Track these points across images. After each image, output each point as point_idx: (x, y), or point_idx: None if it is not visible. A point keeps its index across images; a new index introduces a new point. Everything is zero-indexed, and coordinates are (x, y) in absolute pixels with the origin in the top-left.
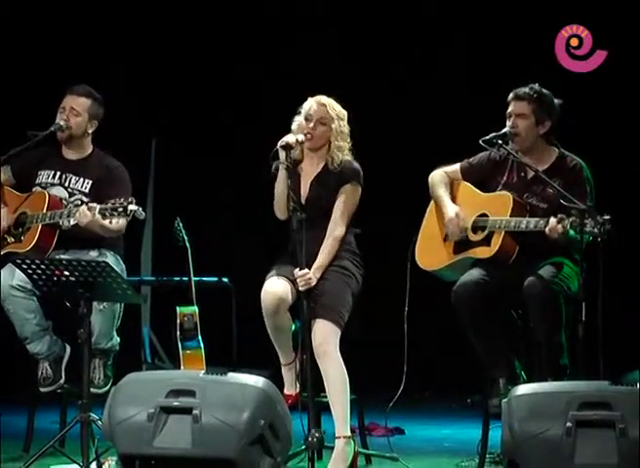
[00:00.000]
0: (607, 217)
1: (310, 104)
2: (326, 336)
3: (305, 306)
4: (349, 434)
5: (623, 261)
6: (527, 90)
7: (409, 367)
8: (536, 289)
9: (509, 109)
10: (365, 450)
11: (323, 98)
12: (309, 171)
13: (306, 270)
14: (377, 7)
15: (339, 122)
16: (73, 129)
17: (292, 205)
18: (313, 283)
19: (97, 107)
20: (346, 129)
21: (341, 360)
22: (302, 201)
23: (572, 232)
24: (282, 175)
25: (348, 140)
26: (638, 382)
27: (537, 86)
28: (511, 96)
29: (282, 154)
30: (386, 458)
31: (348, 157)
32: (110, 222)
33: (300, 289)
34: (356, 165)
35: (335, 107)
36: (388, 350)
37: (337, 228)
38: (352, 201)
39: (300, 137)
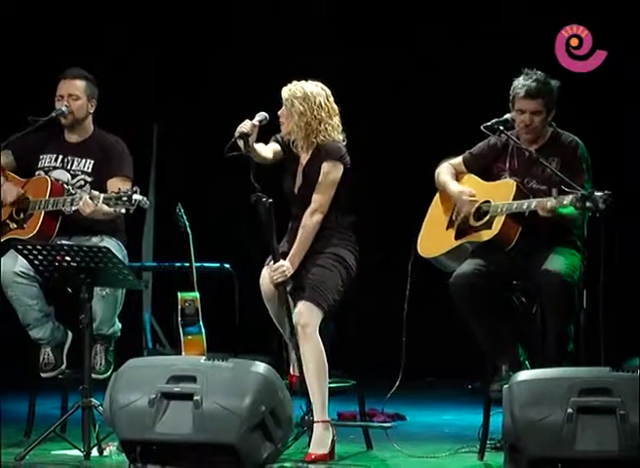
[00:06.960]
0: (608, 192)
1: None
2: (307, 318)
3: (281, 294)
4: (327, 418)
5: (624, 248)
6: (535, 84)
7: (409, 353)
8: (555, 281)
9: (522, 106)
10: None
11: (289, 85)
12: (303, 158)
13: (281, 262)
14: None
15: (300, 100)
16: (76, 113)
17: (255, 194)
18: (288, 273)
19: (92, 87)
20: (317, 105)
21: (321, 343)
22: (295, 190)
23: (563, 209)
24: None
25: (327, 114)
26: (639, 368)
27: (540, 75)
28: (522, 93)
29: (241, 143)
30: (381, 428)
31: (338, 136)
32: (115, 210)
33: (276, 282)
34: (337, 144)
35: (291, 89)
36: (390, 336)
37: (312, 206)
38: (330, 178)
39: (256, 120)
